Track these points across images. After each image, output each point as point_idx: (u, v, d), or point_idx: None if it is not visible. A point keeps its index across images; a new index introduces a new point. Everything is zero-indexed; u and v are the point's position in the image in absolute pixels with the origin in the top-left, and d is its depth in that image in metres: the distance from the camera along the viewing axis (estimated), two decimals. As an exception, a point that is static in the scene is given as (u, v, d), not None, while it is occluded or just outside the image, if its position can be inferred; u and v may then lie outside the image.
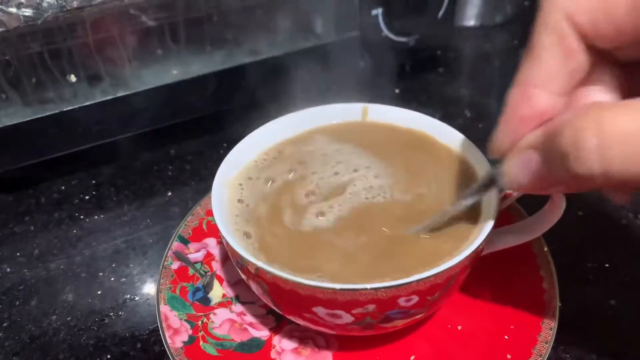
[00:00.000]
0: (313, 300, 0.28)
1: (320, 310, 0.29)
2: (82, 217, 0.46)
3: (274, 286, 0.29)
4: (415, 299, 0.28)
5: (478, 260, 0.31)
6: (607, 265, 0.40)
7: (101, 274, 0.41)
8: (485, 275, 0.36)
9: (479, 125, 0.54)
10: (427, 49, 0.57)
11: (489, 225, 0.30)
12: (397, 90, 0.57)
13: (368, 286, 0.27)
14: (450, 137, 0.37)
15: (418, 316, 0.30)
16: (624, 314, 0.37)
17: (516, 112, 0.26)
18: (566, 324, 0.35)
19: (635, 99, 0.21)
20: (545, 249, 0.37)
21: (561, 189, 0.26)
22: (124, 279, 0.41)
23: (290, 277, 0.27)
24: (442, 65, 0.62)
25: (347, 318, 0.29)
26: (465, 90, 0.60)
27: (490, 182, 0.29)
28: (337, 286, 0.27)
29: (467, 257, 0.28)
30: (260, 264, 0.28)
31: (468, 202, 0.31)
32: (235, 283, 0.38)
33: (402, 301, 0.28)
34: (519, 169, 0.25)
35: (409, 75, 0.58)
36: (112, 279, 0.41)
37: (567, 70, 0.25)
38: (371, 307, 0.28)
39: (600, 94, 0.26)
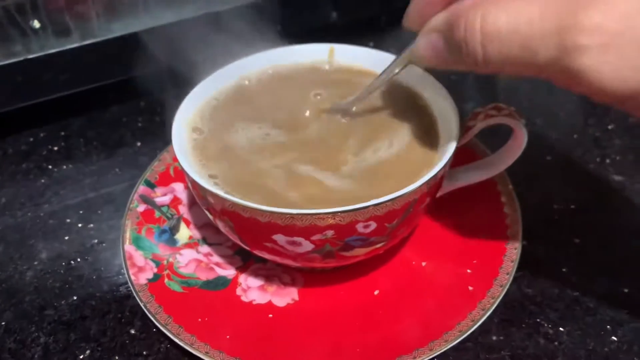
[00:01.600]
0: (273, 228, 0.28)
1: (280, 238, 0.29)
2: (50, 167, 0.46)
3: (236, 217, 0.29)
4: (373, 225, 0.28)
5: (437, 188, 0.31)
6: (572, 206, 0.40)
7: (69, 220, 0.41)
8: (450, 212, 0.37)
9: (451, 77, 0.53)
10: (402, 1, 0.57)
11: (447, 154, 0.30)
12: (371, 43, 0.57)
13: (325, 210, 0.27)
14: (412, 75, 0.36)
15: (378, 245, 0.31)
16: (587, 251, 0.37)
17: None
18: (530, 260, 0.36)
19: None
20: (510, 187, 0.38)
21: (461, 67, 0.27)
22: (92, 225, 0.41)
23: (249, 204, 0.28)
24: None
25: (307, 246, 0.29)
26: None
27: (407, 57, 0.31)
28: (295, 211, 0.27)
29: (424, 184, 0.28)
30: (219, 192, 0.28)
31: (389, 74, 0.33)
32: (203, 226, 0.38)
33: (360, 227, 0.28)
34: (425, 48, 0.28)
35: (383, 27, 0.58)
36: (80, 225, 0.41)
37: None
38: (330, 232, 0.28)
39: None
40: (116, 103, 0.52)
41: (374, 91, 0.34)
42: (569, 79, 0.23)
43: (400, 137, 0.33)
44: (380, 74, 0.33)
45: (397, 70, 0.32)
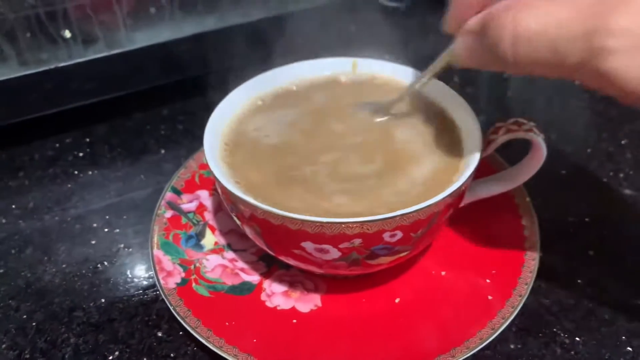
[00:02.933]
0: (302, 236, 0.29)
1: (308, 246, 0.30)
2: (76, 172, 0.47)
3: (265, 224, 0.30)
4: (399, 234, 0.29)
5: (460, 200, 0.32)
6: (587, 219, 0.41)
7: (95, 225, 0.42)
8: (469, 223, 0.38)
9: (467, 91, 0.55)
10: (419, 15, 0.58)
11: (471, 167, 0.31)
12: (387, 56, 0.58)
13: (354, 220, 0.28)
14: (437, 91, 0.38)
15: (403, 254, 0.32)
16: (601, 263, 0.38)
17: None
18: (546, 271, 0.36)
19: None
20: (528, 199, 0.39)
21: (495, 67, 0.29)
22: (118, 230, 0.42)
23: (280, 212, 0.29)
24: (433, 32, 0.63)
25: (334, 253, 0.30)
26: (455, 57, 0.61)
27: (444, 60, 0.33)
28: (325, 220, 0.28)
29: (449, 195, 0.29)
30: (252, 201, 0.29)
31: (427, 77, 0.35)
32: (228, 232, 0.39)
33: (386, 236, 0.29)
34: (462, 49, 0.30)
35: (400, 40, 0.59)
36: (106, 230, 0.42)
37: None
38: (357, 241, 0.29)
39: None
40: (139, 111, 0.53)
41: (414, 91, 0.37)
42: (598, 81, 0.24)
43: (426, 150, 0.34)
44: (421, 76, 0.35)
45: (436, 71, 0.34)
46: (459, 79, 0.56)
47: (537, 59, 0.25)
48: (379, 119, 0.37)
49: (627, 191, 0.43)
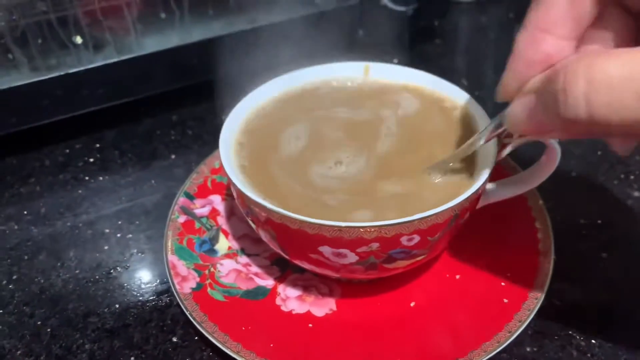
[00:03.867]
0: (320, 240, 0.29)
1: (326, 250, 0.30)
2: (86, 178, 0.47)
3: (282, 228, 0.30)
4: (416, 238, 0.29)
5: (476, 203, 0.32)
6: (599, 221, 0.41)
7: (107, 230, 0.42)
8: (483, 227, 0.38)
9: (475, 94, 0.55)
10: (425, 19, 0.58)
11: (486, 170, 0.31)
12: (395, 60, 0.58)
13: (373, 224, 0.28)
14: (452, 93, 0.38)
15: (419, 258, 0.32)
16: (614, 265, 0.38)
17: (523, 55, 0.27)
18: (559, 274, 0.36)
19: (632, 48, 0.22)
20: (541, 202, 0.39)
21: (557, 135, 0.27)
22: (130, 235, 0.42)
23: (298, 217, 0.29)
24: (439, 36, 0.63)
25: (351, 257, 0.30)
26: (462, 60, 0.61)
27: (498, 125, 0.30)
28: (343, 224, 0.28)
29: (466, 199, 0.29)
30: (270, 205, 0.29)
31: (478, 143, 0.31)
32: (241, 237, 0.39)
33: (404, 240, 0.29)
34: (519, 112, 0.26)
35: (407, 45, 0.59)
36: (119, 235, 0.42)
37: (574, 15, 0.26)
38: (375, 245, 0.29)
39: (608, 41, 0.27)
40: (148, 116, 0.53)
41: (459, 158, 0.33)
42: None
43: (443, 153, 0.34)
44: (470, 141, 0.32)
45: (485, 138, 0.31)
46: (467, 82, 0.56)
47: (618, 110, 0.21)
48: (387, 136, 0.36)
49: (637, 193, 0.43)
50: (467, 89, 0.56)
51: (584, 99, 0.21)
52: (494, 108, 0.55)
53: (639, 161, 0.46)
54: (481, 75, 0.59)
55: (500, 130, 0.30)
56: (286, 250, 0.33)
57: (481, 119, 0.35)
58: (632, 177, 0.45)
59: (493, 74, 0.59)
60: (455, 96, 0.37)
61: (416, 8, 0.56)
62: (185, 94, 0.53)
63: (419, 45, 0.61)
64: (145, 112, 0.53)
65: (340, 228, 0.28)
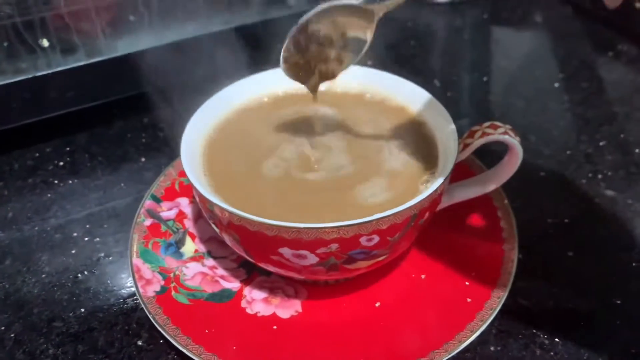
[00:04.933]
0: (279, 241, 0.29)
1: (286, 252, 0.30)
2: (56, 182, 0.47)
3: (243, 231, 0.30)
4: (376, 238, 0.29)
5: (437, 203, 0.33)
6: (566, 220, 0.42)
7: (75, 234, 0.42)
8: (448, 227, 0.38)
9: (447, 94, 0.55)
10: (399, 21, 0.59)
11: (446, 170, 0.31)
12: (369, 62, 0.58)
13: (331, 225, 0.28)
14: (413, 94, 0.38)
15: (381, 258, 0.32)
16: (580, 264, 0.38)
17: None
18: (525, 273, 0.37)
19: None
20: (506, 201, 0.39)
21: None
22: (98, 239, 0.42)
23: (256, 218, 0.29)
24: (413, 37, 0.63)
25: (312, 259, 0.30)
26: (436, 61, 0.61)
27: None
28: (301, 225, 0.28)
29: (425, 199, 0.29)
30: (228, 207, 0.29)
31: None
32: (208, 240, 0.39)
33: (363, 240, 0.29)
34: None
35: (381, 46, 0.60)
36: (86, 239, 0.42)
37: None
38: (334, 246, 0.29)
39: None
40: (120, 119, 0.53)
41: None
42: None
43: (400, 154, 0.34)
44: None
45: None
46: (440, 82, 0.57)
47: None
48: (344, 137, 0.36)
49: (606, 192, 0.44)
50: (440, 89, 0.56)
51: None
52: (467, 109, 0.55)
53: (608, 160, 0.47)
54: (454, 76, 0.59)
55: None
56: (249, 252, 0.33)
57: (442, 117, 0.35)
58: (600, 176, 0.45)
59: (466, 74, 0.59)
60: (418, 96, 0.37)
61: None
62: (158, 97, 0.52)
63: (394, 46, 0.61)
64: (116, 115, 0.53)
65: (298, 229, 0.28)
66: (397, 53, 0.61)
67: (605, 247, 0.40)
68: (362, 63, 0.42)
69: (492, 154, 0.39)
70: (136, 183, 0.46)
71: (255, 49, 0.48)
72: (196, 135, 0.36)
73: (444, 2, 0.68)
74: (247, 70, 0.41)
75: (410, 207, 0.29)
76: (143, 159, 0.49)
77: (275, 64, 0.42)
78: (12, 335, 0.35)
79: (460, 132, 0.34)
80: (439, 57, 0.62)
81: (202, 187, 0.31)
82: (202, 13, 0.51)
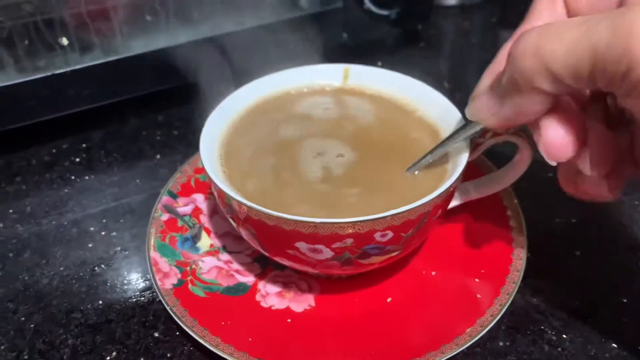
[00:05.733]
0: (296, 236, 0.30)
1: (302, 246, 0.31)
2: (72, 177, 0.48)
3: (260, 225, 0.31)
4: (390, 234, 0.30)
5: (449, 201, 0.33)
6: (573, 220, 0.42)
7: (92, 229, 0.43)
8: (459, 224, 0.39)
9: (456, 96, 0.56)
10: (409, 23, 0.59)
11: (459, 169, 0.32)
12: (379, 63, 0.59)
13: (346, 220, 0.29)
14: (426, 96, 0.39)
15: (394, 254, 0.32)
16: (587, 262, 0.39)
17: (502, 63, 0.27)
18: (534, 271, 0.37)
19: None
20: (515, 201, 0.40)
21: (522, 112, 0.26)
22: (114, 234, 0.43)
23: (274, 213, 0.29)
24: (423, 40, 0.64)
25: (327, 253, 0.31)
26: (445, 64, 0.62)
27: (469, 124, 0.31)
28: (318, 220, 0.29)
29: (437, 196, 0.30)
30: (247, 202, 0.30)
31: (452, 144, 0.33)
32: (223, 234, 0.40)
33: (378, 236, 0.30)
34: (480, 108, 0.28)
35: (391, 48, 0.61)
36: (103, 233, 0.43)
37: None
38: (349, 241, 0.30)
39: None
40: (135, 117, 0.54)
41: (436, 157, 0.34)
42: None
43: (412, 152, 0.35)
44: (444, 143, 0.33)
45: (462, 137, 0.32)
46: (449, 85, 0.57)
47: (575, 55, 0.22)
48: (357, 137, 0.37)
49: (613, 193, 0.44)
50: (449, 92, 0.57)
51: (535, 50, 0.23)
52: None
53: (614, 162, 0.47)
54: (463, 78, 0.60)
55: (472, 131, 0.31)
56: (265, 247, 0.34)
57: (454, 118, 0.36)
58: (606, 177, 0.46)
59: (475, 77, 0.60)
60: (431, 98, 0.38)
61: (399, 12, 0.57)
62: (172, 95, 0.54)
63: (403, 48, 0.62)
64: (131, 113, 0.54)
65: (315, 224, 0.29)
66: (407, 54, 0.62)
67: (612, 246, 0.40)
68: (373, 64, 0.43)
69: (498, 154, 0.39)
70: (151, 180, 0.47)
71: (270, 49, 0.49)
72: (215, 130, 0.37)
73: (453, 5, 0.69)
74: (266, 69, 0.41)
75: (423, 204, 0.30)
76: (158, 156, 0.49)
77: (291, 64, 0.43)
78: (32, 325, 0.36)
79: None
80: (448, 59, 0.63)
81: (221, 181, 0.32)
82: (216, 14, 0.52)
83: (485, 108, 0.28)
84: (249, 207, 0.30)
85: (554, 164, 0.28)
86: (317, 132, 0.38)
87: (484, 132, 0.34)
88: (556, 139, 0.26)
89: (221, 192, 0.32)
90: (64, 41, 0.46)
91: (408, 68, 0.42)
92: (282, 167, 0.35)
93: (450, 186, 0.31)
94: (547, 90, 0.24)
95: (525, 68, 0.24)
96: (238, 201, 0.31)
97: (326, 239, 0.30)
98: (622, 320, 0.35)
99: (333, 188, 0.34)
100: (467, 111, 0.30)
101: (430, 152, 0.34)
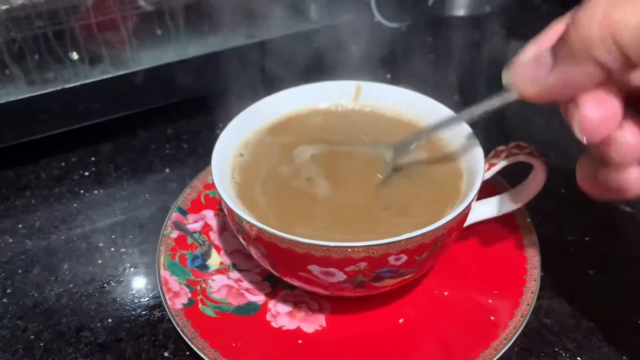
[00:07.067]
0: (308, 259, 0.30)
1: (315, 269, 0.30)
2: (82, 191, 0.48)
3: (272, 247, 0.31)
4: (404, 258, 0.30)
5: (463, 222, 0.33)
6: (587, 238, 0.42)
7: (101, 244, 0.43)
8: (471, 244, 0.38)
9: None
10: (418, 36, 0.59)
11: (474, 189, 0.31)
12: (388, 75, 0.59)
13: (360, 244, 0.28)
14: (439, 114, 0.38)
15: (407, 276, 0.32)
16: (601, 282, 0.39)
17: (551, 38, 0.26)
18: (547, 291, 0.37)
19: None
20: (528, 220, 0.39)
21: (563, 90, 0.25)
22: (124, 250, 0.42)
23: (287, 236, 0.29)
24: (433, 52, 0.64)
25: (340, 276, 0.30)
26: (455, 76, 0.62)
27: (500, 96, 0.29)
28: (331, 244, 0.29)
29: (453, 219, 0.30)
30: (259, 224, 0.30)
31: (480, 109, 0.31)
32: (232, 252, 0.40)
33: (392, 259, 0.30)
34: (525, 71, 0.26)
35: (400, 60, 0.60)
36: (112, 249, 0.42)
37: None
38: (363, 264, 0.29)
39: None
40: (144, 130, 0.54)
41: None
42: None
43: (428, 173, 0.35)
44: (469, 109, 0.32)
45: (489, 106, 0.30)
46: (459, 97, 0.57)
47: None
48: (372, 158, 0.37)
49: (626, 209, 0.44)
50: (460, 104, 0.57)
51: (602, 13, 0.22)
52: (486, 124, 0.55)
53: (627, 178, 0.47)
54: (474, 89, 0.59)
55: (502, 101, 0.29)
56: (276, 267, 0.33)
57: (468, 137, 0.35)
58: (620, 194, 0.45)
59: (485, 89, 0.59)
60: (444, 115, 0.38)
61: (409, 24, 0.56)
62: (181, 108, 0.53)
63: (413, 60, 0.62)
64: (141, 126, 0.54)
65: (328, 248, 0.29)
66: (417, 67, 0.61)
67: (626, 264, 0.40)
68: (382, 79, 0.43)
69: (509, 172, 0.39)
70: (160, 194, 0.47)
71: (280, 62, 0.49)
72: (227, 148, 0.37)
73: (463, 16, 0.68)
74: (277, 83, 0.41)
75: (438, 227, 0.29)
76: (167, 170, 0.49)
77: (301, 76, 0.43)
78: (42, 344, 0.36)
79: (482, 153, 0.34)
80: (458, 71, 0.63)
81: (232, 200, 0.32)
82: (226, 27, 0.52)
83: (528, 74, 0.26)
84: (260, 229, 0.30)
85: (585, 142, 0.26)
86: (331, 151, 0.38)
87: (498, 152, 0.34)
88: (595, 116, 0.25)
89: (231, 212, 0.32)
90: (74, 56, 0.46)
91: (418, 80, 0.42)
92: (295, 186, 0.35)
93: (465, 208, 0.30)
94: (606, 61, 0.23)
95: (589, 35, 0.22)
96: (249, 222, 0.30)
97: (339, 263, 0.29)
98: (638, 341, 0.35)
99: (347, 210, 0.33)
100: (505, 76, 0.27)
101: (458, 115, 0.33)
